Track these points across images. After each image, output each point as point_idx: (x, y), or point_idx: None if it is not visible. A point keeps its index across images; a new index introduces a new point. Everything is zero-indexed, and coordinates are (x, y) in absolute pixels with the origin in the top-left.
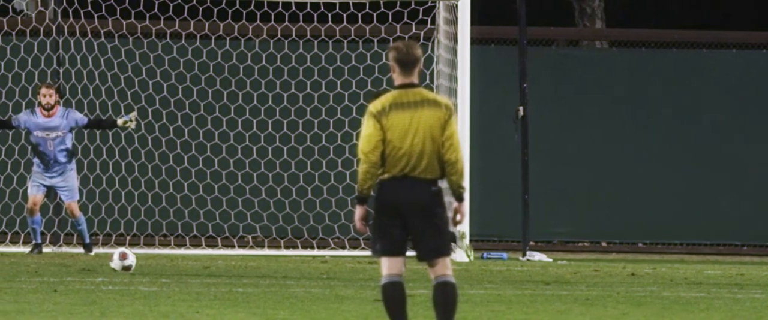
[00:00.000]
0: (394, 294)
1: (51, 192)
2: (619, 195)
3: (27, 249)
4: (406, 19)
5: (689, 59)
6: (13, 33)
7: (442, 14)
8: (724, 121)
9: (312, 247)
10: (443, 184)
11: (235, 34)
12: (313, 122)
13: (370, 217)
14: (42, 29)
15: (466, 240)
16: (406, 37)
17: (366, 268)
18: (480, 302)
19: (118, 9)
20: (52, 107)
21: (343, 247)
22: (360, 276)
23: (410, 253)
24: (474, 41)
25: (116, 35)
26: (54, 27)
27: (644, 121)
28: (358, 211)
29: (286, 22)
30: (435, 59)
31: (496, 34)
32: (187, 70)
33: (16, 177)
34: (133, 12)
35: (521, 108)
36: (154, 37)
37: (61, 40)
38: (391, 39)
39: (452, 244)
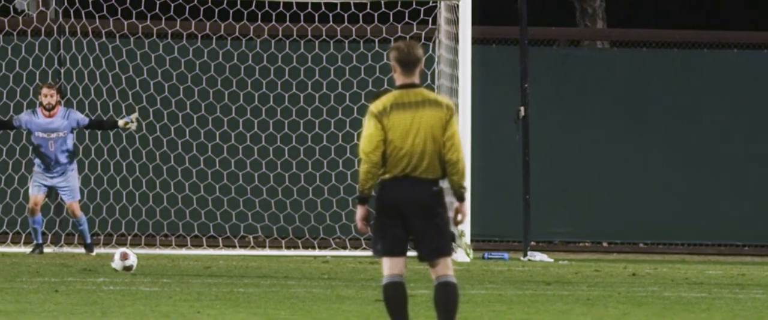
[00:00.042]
0: (395, 295)
1: (52, 192)
2: (621, 196)
3: (28, 250)
4: (407, 19)
5: (690, 59)
6: (15, 33)
7: (443, 14)
8: (725, 121)
9: (313, 247)
10: (444, 184)
11: (237, 34)
12: (314, 122)
13: (371, 217)
14: (43, 29)
15: (465, 239)
16: (408, 37)
17: (367, 268)
18: (481, 302)
19: (119, 9)
20: (53, 107)
21: (345, 247)
22: (361, 277)
23: (411, 253)
24: (475, 41)
25: (117, 35)
26: (55, 27)
27: (645, 121)
28: (360, 211)
29: (288, 22)
30: (436, 59)
31: (498, 34)
32: (188, 70)
33: (17, 177)
34: (134, 12)
35: (522, 108)
36: (155, 37)
37: (62, 40)
38: (392, 39)
39: (451, 243)
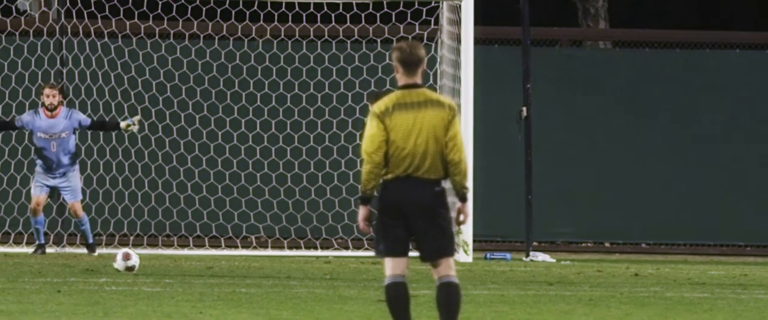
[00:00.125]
0: (397, 295)
1: (54, 192)
2: (623, 196)
3: (30, 250)
4: (409, 20)
5: (693, 59)
6: (17, 33)
7: (445, 14)
8: (727, 121)
9: (315, 248)
10: (446, 185)
11: (239, 34)
12: (316, 122)
13: (373, 218)
14: (45, 29)
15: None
16: (410, 37)
17: (369, 269)
18: (483, 302)
19: (121, 9)
20: (56, 107)
21: (347, 248)
22: (363, 277)
23: (413, 254)
24: (477, 41)
25: (119, 35)
26: (57, 27)
27: (647, 122)
28: (362, 212)
29: (290, 23)
30: (438, 59)
31: (500, 34)
32: (190, 70)
33: (19, 177)
34: (136, 12)
35: (524, 108)
36: (157, 37)
37: (64, 41)
38: (394, 39)
39: (454, 244)
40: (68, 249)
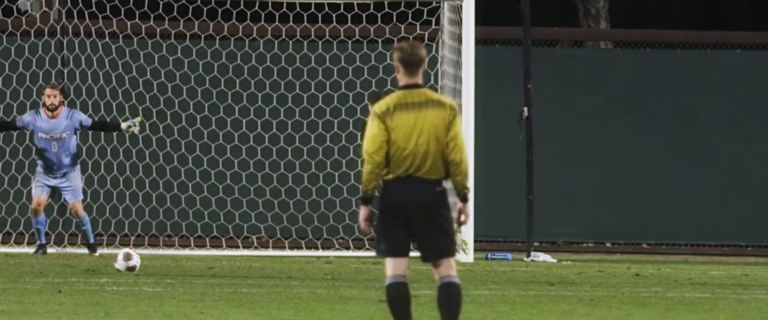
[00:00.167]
0: (398, 295)
1: (55, 192)
2: (624, 196)
3: (31, 250)
4: (410, 20)
5: (694, 60)
6: (18, 33)
7: (446, 15)
8: (728, 121)
9: (316, 248)
10: (448, 185)
11: (240, 34)
12: (317, 123)
13: (374, 218)
14: (46, 30)
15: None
16: (411, 37)
17: (370, 269)
18: (484, 302)
19: (122, 9)
20: (57, 108)
21: (348, 248)
22: (364, 277)
23: (414, 254)
24: (478, 42)
25: (121, 35)
26: (58, 27)
27: (648, 122)
28: (363, 212)
29: (291, 23)
30: (439, 60)
31: (501, 34)
32: (191, 70)
33: (20, 177)
34: (137, 12)
35: (526, 108)
36: (158, 37)
37: (65, 41)
38: (395, 39)
39: (455, 244)
40: (69, 250)
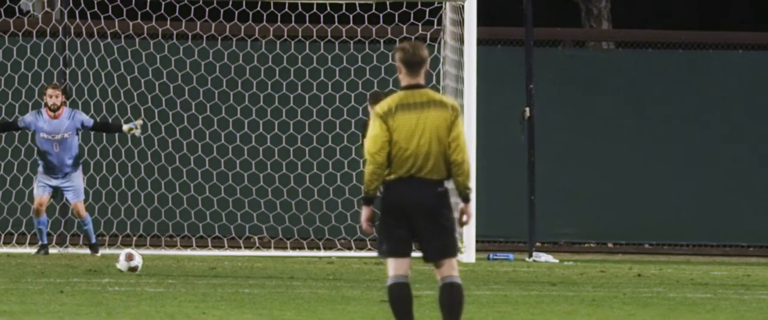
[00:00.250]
0: (400, 295)
1: (57, 193)
2: (626, 196)
3: (33, 250)
4: (412, 20)
5: (695, 60)
6: (20, 34)
7: (448, 15)
8: (730, 121)
9: (318, 248)
10: (449, 185)
11: (242, 34)
12: (319, 123)
13: (376, 218)
14: (48, 30)
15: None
16: (413, 37)
17: (372, 269)
18: (486, 303)
19: (124, 10)
20: (58, 108)
21: (350, 248)
22: (366, 277)
23: (416, 254)
24: (480, 42)
25: (123, 36)
26: (60, 28)
27: (650, 122)
28: (365, 212)
29: (293, 23)
30: (441, 60)
31: (503, 34)
32: (193, 70)
33: (22, 178)
34: (139, 13)
35: (527, 109)
36: (160, 37)
37: (67, 41)
38: (397, 40)
39: (457, 244)
40: (71, 250)
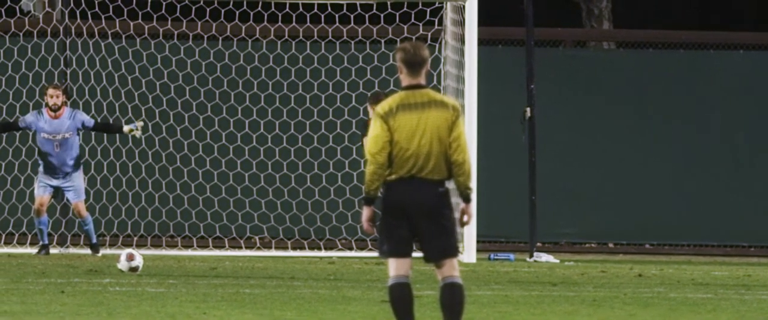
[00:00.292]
0: (401, 295)
1: (58, 193)
2: (626, 197)
3: (34, 251)
4: (413, 20)
5: (696, 60)
6: (21, 34)
7: (449, 15)
8: (731, 121)
9: (319, 248)
10: (450, 185)
11: (243, 35)
12: (320, 123)
13: (377, 218)
14: (49, 30)
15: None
16: (414, 38)
17: (373, 269)
18: (487, 303)
19: (125, 10)
20: (59, 108)
21: (351, 248)
22: (367, 277)
23: (417, 254)
24: (481, 42)
25: (123, 36)
26: (61, 28)
27: (651, 122)
28: (366, 212)
29: (294, 23)
30: (442, 60)
31: (504, 35)
32: (194, 71)
33: (23, 178)
34: (140, 13)
35: (528, 109)
36: (161, 38)
37: (68, 41)
38: (398, 40)
39: (458, 244)
40: (72, 250)
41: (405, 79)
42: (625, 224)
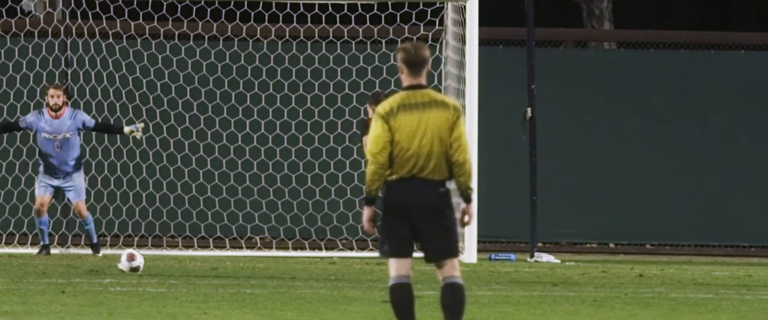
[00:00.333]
0: (402, 296)
1: (58, 193)
2: (627, 197)
3: (35, 251)
4: (414, 20)
5: (697, 60)
6: (22, 34)
7: (449, 15)
8: (731, 121)
9: (320, 248)
10: (451, 185)
11: (244, 35)
12: (321, 123)
13: (377, 218)
14: (50, 30)
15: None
16: (414, 38)
17: (374, 269)
18: (488, 303)
19: (126, 10)
20: (60, 108)
21: (351, 248)
22: (368, 278)
23: (418, 254)
24: (482, 42)
25: (124, 36)
26: (62, 28)
27: (652, 122)
28: (366, 212)
29: (294, 24)
30: (443, 60)
31: (504, 35)
32: (195, 71)
33: (23, 178)
34: (141, 13)
35: (529, 109)
36: (161, 38)
37: (69, 41)
38: (399, 40)
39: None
40: (73, 250)
41: (406, 79)
42: (626, 224)
